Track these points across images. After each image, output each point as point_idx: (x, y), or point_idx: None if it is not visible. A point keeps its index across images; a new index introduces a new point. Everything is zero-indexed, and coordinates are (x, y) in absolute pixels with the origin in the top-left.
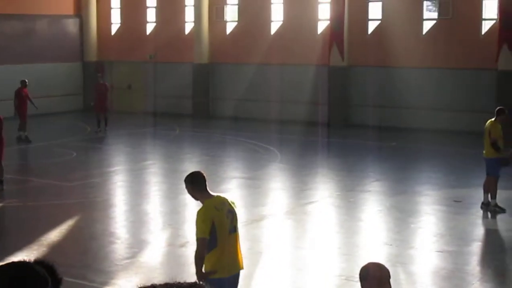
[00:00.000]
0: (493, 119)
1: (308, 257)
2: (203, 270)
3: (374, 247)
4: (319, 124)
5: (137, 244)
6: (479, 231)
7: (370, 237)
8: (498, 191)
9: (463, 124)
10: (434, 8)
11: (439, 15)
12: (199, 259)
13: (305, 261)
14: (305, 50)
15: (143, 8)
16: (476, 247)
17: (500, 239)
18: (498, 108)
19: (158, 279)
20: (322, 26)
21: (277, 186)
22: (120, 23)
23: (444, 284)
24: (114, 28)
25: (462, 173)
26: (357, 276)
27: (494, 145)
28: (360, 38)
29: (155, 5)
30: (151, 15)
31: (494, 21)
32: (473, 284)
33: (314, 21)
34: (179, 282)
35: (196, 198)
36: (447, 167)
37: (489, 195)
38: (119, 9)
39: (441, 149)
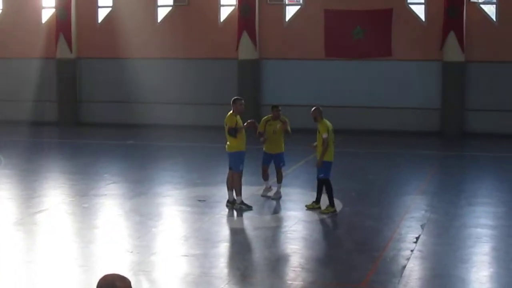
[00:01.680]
0: (231, 111)
1: (42, 271)
2: None
3: (114, 256)
4: (47, 124)
5: None
6: (226, 231)
7: (109, 245)
8: (244, 187)
9: (208, 118)
10: None
11: (174, 1)
12: None
13: (39, 276)
14: (28, 41)
15: None
16: (223, 249)
17: (247, 238)
18: (233, 98)
19: None
20: (46, 14)
21: (2, 195)
22: None
23: None
24: None
25: (206, 170)
26: None
27: (230, 132)
28: (89, 27)
29: None
30: None
31: (233, 8)
32: (221, 287)
33: (38, 9)
34: None
35: None
36: (190, 164)
37: (234, 192)
38: None
39: (184, 146)
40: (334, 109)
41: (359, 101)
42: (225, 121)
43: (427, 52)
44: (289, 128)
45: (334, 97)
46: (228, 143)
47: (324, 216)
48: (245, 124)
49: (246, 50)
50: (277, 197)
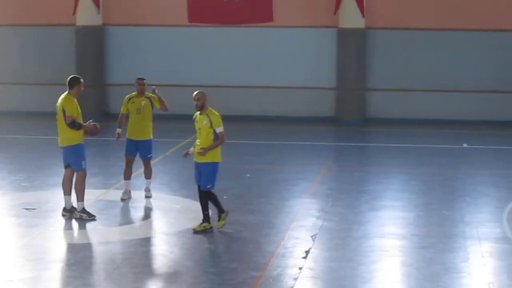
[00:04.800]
0: (66, 93)
1: None
2: None
3: None
4: None
5: None
6: (62, 248)
7: None
8: (89, 191)
9: (36, 102)
10: None
11: None
12: None
13: None
14: None
15: None
16: (57, 271)
17: (90, 257)
18: (71, 77)
19: None
20: None
21: None
22: None
23: None
24: None
25: (36, 169)
26: None
27: (72, 125)
28: None
29: None
30: None
31: None
32: None
33: None
34: None
35: None
36: (14, 163)
37: (76, 198)
38: None
39: (5, 138)
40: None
41: (234, 80)
42: (59, 106)
43: (318, 17)
44: (164, 102)
45: (201, 74)
46: (62, 134)
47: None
48: (85, 123)
49: (86, 14)
50: (149, 195)
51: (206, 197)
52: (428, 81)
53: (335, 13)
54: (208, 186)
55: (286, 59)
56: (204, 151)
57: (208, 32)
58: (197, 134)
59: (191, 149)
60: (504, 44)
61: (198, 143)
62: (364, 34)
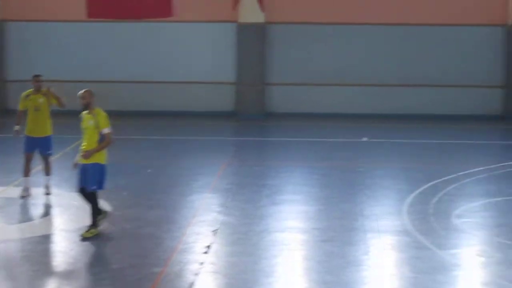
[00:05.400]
0: None
1: None
2: None
3: None
4: None
5: None
6: None
7: None
8: None
9: None
10: None
11: None
12: None
13: None
14: None
15: None
16: None
17: None
18: None
19: None
20: None
21: None
22: None
23: None
24: None
25: None
26: None
27: None
28: None
29: None
30: None
31: None
32: None
33: None
34: None
35: None
36: None
37: None
38: None
39: None
40: (101, 85)
41: (134, 75)
42: None
43: (218, 12)
44: (60, 99)
45: (101, 70)
46: None
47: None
48: None
49: None
50: (48, 192)
51: (90, 199)
52: (326, 75)
53: (234, 8)
54: (93, 188)
55: (186, 54)
56: (88, 154)
57: (108, 28)
58: (82, 134)
59: (77, 157)
60: (404, 38)
61: (83, 146)
62: (264, 29)
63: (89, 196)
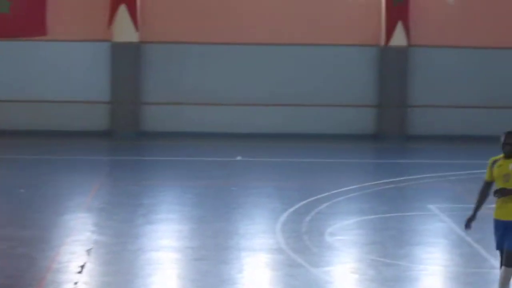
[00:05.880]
0: None
1: None
2: None
3: None
4: None
5: None
6: None
7: None
8: None
9: None
10: None
11: None
12: None
13: None
14: None
15: None
16: None
17: None
18: None
19: None
20: None
21: None
22: None
23: None
24: None
25: None
26: None
27: None
28: None
29: None
30: None
31: None
32: None
33: None
34: None
35: None
36: None
37: None
38: None
39: None
40: None
41: (5, 94)
42: None
43: (93, 31)
44: None
45: None
46: None
47: None
48: None
49: None
50: None
51: None
52: (200, 94)
53: (108, 27)
54: None
55: (60, 73)
56: None
57: None
58: None
59: None
60: (277, 57)
61: None
62: (138, 48)
63: None
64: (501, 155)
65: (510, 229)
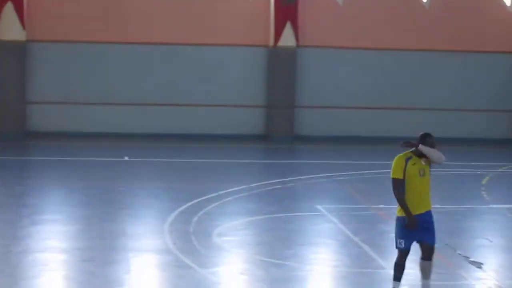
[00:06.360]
0: None
1: None
2: None
3: None
4: None
5: None
6: None
7: None
8: None
9: None
10: None
11: None
12: None
13: None
14: None
15: None
16: None
17: None
18: None
19: None
20: None
21: None
22: None
23: None
24: None
25: None
26: None
27: None
28: None
29: None
30: None
31: None
32: None
33: None
34: None
35: None
36: None
37: None
38: None
39: None
40: None
41: None
42: None
43: None
44: None
45: None
46: None
47: None
48: None
49: None
50: None
51: None
52: (90, 94)
53: None
54: None
55: None
56: None
57: None
58: None
59: None
60: (169, 58)
61: None
62: (24, 47)
63: None
64: (407, 154)
65: (428, 222)
